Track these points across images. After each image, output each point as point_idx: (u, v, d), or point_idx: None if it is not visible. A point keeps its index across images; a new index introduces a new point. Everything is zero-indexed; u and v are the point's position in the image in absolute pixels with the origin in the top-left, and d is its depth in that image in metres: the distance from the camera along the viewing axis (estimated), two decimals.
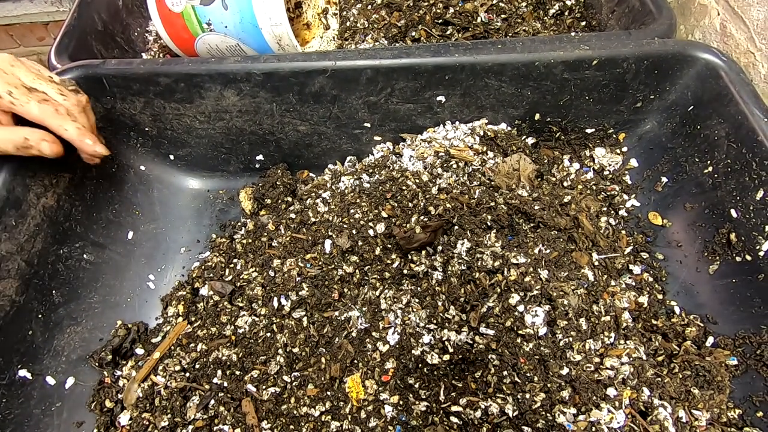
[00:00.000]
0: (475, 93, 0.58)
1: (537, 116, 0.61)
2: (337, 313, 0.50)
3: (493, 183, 0.55)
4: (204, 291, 0.55)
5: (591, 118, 0.61)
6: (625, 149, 0.63)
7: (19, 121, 0.46)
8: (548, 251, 0.49)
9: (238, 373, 0.48)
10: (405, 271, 0.51)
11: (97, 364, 0.51)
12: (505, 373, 0.44)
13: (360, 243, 0.52)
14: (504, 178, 0.56)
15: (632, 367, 0.44)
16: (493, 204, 0.52)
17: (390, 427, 0.43)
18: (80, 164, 0.52)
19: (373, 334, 0.48)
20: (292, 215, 0.58)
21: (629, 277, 0.53)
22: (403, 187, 0.55)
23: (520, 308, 0.45)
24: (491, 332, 0.45)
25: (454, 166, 0.56)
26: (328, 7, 0.74)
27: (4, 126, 0.45)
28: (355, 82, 0.56)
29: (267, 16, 0.60)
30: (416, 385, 0.45)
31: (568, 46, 0.55)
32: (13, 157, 0.47)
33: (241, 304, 0.52)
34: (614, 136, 0.63)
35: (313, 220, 0.56)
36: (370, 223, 0.53)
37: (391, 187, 0.55)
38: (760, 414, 0.45)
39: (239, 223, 0.63)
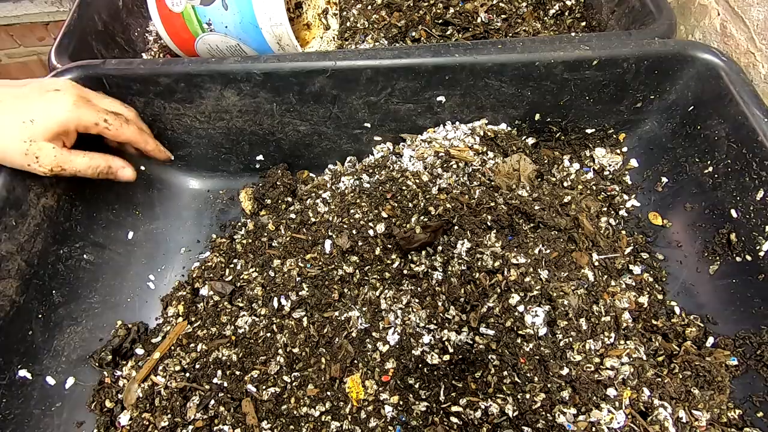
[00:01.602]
0: (475, 93, 0.58)
1: (537, 116, 0.61)
2: (337, 314, 0.50)
3: (493, 183, 0.55)
4: (204, 291, 0.55)
5: (591, 118, 0.61)
6: (625, 149, 0.63)
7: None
8: (548, 251, 0.49)
9: (238, 373, 0.48)
10: (405, 272, 0.51)
11: (97, 364, 0.51)
12: (505, 373, 0.44)
13: (360, 243, 0.52)
14: (504, 179, 0.56)
15: (632, 368, 0.44)
16: (493, 204, 0.52)
17: (390, 428, 0.43)
18: None
19: (373, 334, 0.48)
20: (292, 215, 0.58)
21: (629, 278, 0.53)
22: (403, 188, 0.55)
23: (520, 308, 0.45)
24: (491, 332, 0.45)
25: (454, 166, 0.56)
26: (328, 8, 0.74)
27: (71, 150, 0.47)
28: (355, 82, 0.56)
29: (267, 16, 0.60)
30: (416, 386, 0.45)
31: (568, 46, 0.54)
32: None
33: (241, 304, 0.52)
34: (614, 136, 0.63)
35: (313, 220, 0.56)
36: (370, 224, 0.53)
37: (391, 188, 0.55)
38: (760, 414, 0.45)
39: (239, 223, 0.63)
